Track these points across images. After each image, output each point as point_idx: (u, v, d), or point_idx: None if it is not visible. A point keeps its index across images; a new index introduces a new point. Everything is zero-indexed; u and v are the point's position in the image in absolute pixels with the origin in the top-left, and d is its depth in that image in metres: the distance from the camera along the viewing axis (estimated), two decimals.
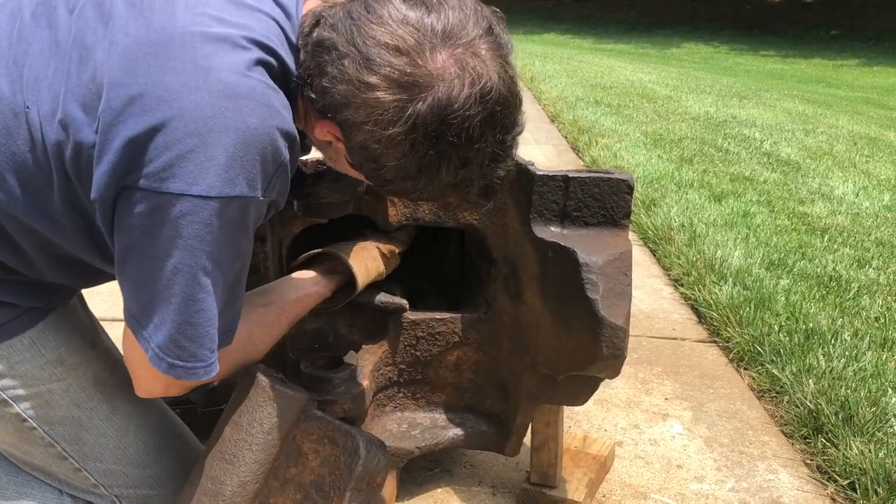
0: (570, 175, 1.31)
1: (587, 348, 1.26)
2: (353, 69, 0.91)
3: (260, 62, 0.95)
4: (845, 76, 14.29)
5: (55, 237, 1.01)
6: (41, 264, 1.04)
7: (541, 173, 1.32)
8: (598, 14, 23.45)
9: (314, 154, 1.23)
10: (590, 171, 1.33)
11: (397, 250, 1.46)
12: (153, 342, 0.97)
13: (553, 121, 5.86)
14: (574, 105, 6.13)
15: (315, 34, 0.95)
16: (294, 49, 0.99)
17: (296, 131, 0.98)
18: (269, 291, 1.26)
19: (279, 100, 0.95)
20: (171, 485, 1.20)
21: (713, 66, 14.23)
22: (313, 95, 0.96)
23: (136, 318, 0.98)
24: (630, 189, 1.31)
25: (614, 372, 1.30)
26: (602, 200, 1.32)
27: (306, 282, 1.29)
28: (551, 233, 1.32)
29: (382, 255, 1.41)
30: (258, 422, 1.13)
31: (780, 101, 7.98)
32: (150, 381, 1.03)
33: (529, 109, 6.48)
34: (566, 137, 5.22)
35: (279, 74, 0.98)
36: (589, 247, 1.27)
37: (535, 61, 9.47)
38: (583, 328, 1.25)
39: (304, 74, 0.97)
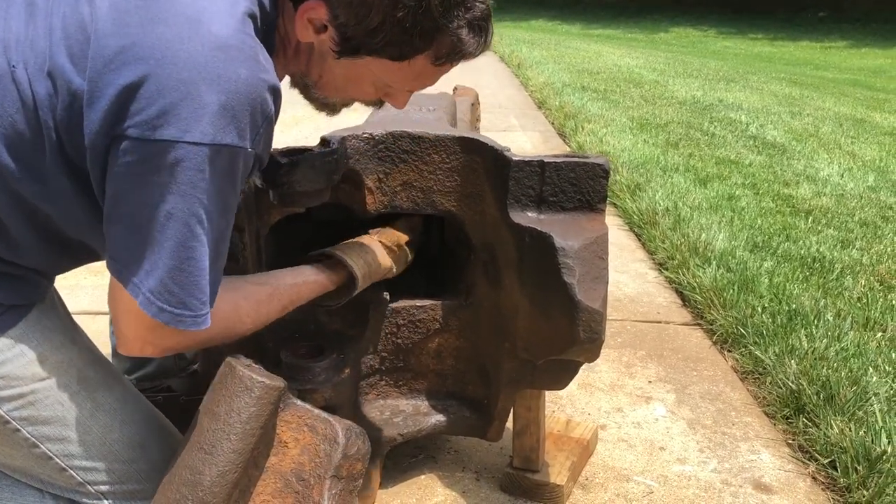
0: (545, 160, 1.31)
1: (565, 332, 1.26)
2: None
3: (246, 14, 0.97)
4: (833, 58, 14.33)
5: (43, 202, 1.01)
6: (23, 240, 1.04)
7: (516, 159, 1.31)
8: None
9: (286, 142, 1.23)
10: (566, 156, 1.33)
11: (403, 242, 1.43)
12: (144, 287, 0.97)
13: (540, 107, 5.86)
14: (561, 91, 6.13)
15: None
16: None
17: (279, 84, 1.01)
18: (266, 274, 1.28)
19: (264, 55, 0.98)
20: (156, 478, 1.19)
21: (701, 49, 14.24)
22: None
23: (125, 264, 0.98)
24: (606, 173, 1.31)
25: (592, 356, 1.30)
26: (578, 185, 1.32)
27: (306, 270, 1.29)
28: (528, 218, 1.32)
29: (388, 249, 1.39)
30: (236, 411, 1.12)
31: (768, 83, 8.00)
32: (135, 333, 1.03)
33: (516, 96, 6.48)
34: (553, 123, 5.22)
35: (262, 17, 1.01)
36: (565, 231, 1.27)
37: (523, 48, 9.46)
38: (560, 313, 1.25)
39: None
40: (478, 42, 1.06)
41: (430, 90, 1.82)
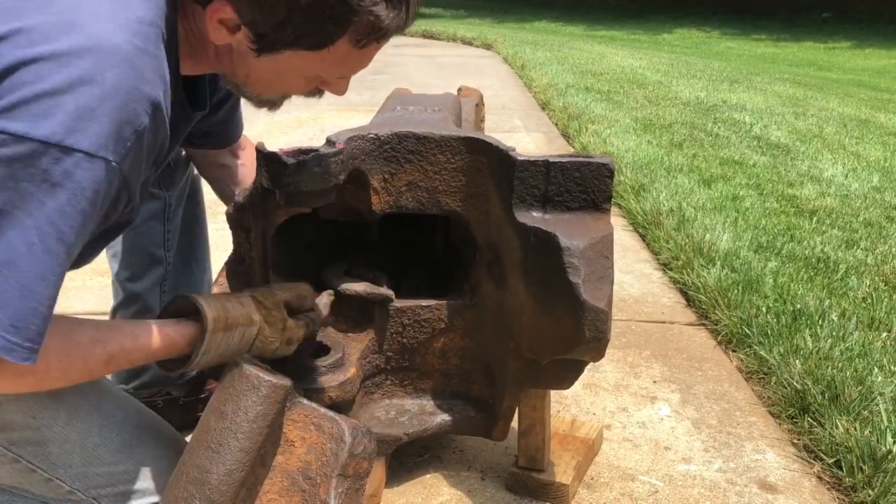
0: (551, 160, 1.32)
1: (570, 332, 1.26)
2: None
3: (139, 19, 0.92)
4: (837, 59, 14.30)
5: None
6: None
7: (522, 159, 1.32)
8: (590, 0, 23.41)
9: (290, 144, 1.23)
10: (571, 156, 1.33)
11: (281, 301, 1.22)
12: None
13: (544, 108, 5.86)
14: (564, 92, 6.13)
15: None
16: None
17: (162, 103, 0.94)
18: (97, 320, 1.11)
19: (151, 64, 0.92)
20: (148, 476, 1.18)
21: (705, 51, 14.23)
22: None
23: None
24: (611, 173, 1.32)
25: (598, 355, 1.31)
26: (583, 185, 1.32)
27: (153, 322, 1.10)
28: (533, 218, 1.32)
29: (260, 304, 1.19)
30: (242, 410, 1.13)
31: (771, 84, 7.99)
32: None
33: (519, 97, 6.48)
34: (556, 124, 5.22)
35: (167, 23, 0.97)
36: (570, 231, 1.27)
37: (526, 49, 9.45)
38: (565, 312, 1.26)
39: None
40: (397, 15, 1.00)
41: (434, 91, 1.83)
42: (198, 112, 1.23)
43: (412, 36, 11.82)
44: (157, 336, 1.08)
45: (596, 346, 1.27)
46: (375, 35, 1.01)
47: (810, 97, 7.21)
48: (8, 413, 1.07)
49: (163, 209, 1.63)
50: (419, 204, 1.45)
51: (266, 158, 1.28)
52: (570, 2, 23.33)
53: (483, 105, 2.15)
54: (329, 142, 1.36)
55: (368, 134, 1.40)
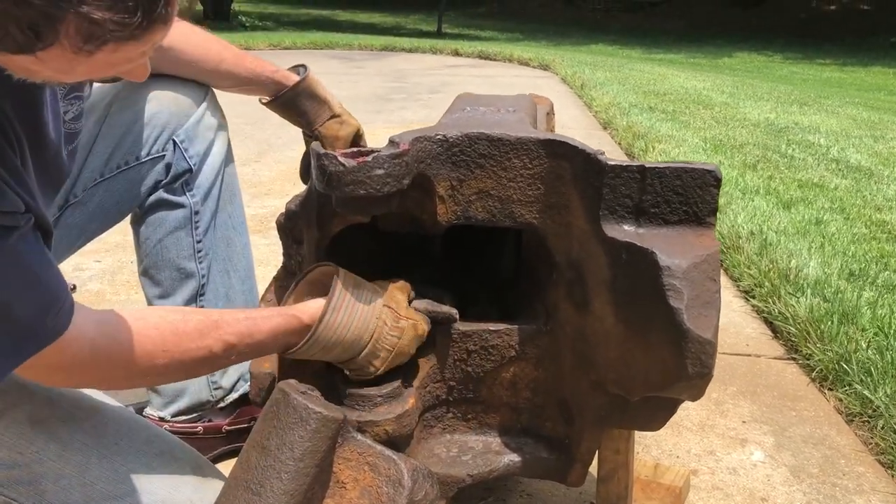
0: (646, 165, 1.15)
1: (668, 366, 1.08)
2: None
3: None
4: None
5: None
6: None
7: (612, 163, 1.15)
8: (647, 24, 23.20)
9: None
10: (669, 163, 1.16)
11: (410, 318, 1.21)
12: None
13: (605, 127, 5.68)
14: (628, 111, 5.93)
15: None
16: None
17: None
18: (213, 310, 1.13)
19: None
20: None
21: (767, 74, 13.87)
22: None
23: None
24: (717, 181, 1.14)
25: (698, 393, 1.12)
26: (684, 195, 1.14)
27: (275, 308, 1.13)
28: (625, 232, 1.15)
29: (393, 312, 1.20)
30: (288, 446, 0.98)
31: (843, 107, 7.66)
32: None
33: (580, 116, 6.30)
34: (619, 144, 5.03)
35: None
36: (670, 248, 1.10)
37: (585, 69, 9.28)
38: (663, 342, 1.08)
39: None
40: (123, 16, 0.73)
41: (509, 92, 1.65)
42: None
43: (467, 56, 11.75)
44: (286, 319, 1.12)
45: (698, 382, 1.08)
46: (96, 41, 0.74)
47: (886, 121, 6.88)
48: None
49: (188, 217, 1.49)
50: (490, 215, 1.29)
51: (322, 159, 1.14)
52: (626, 26, 23.12)
53: (554, 114, 1.99)
54: (392, 142, 1.21)
55: (435, 135, 1.25)
